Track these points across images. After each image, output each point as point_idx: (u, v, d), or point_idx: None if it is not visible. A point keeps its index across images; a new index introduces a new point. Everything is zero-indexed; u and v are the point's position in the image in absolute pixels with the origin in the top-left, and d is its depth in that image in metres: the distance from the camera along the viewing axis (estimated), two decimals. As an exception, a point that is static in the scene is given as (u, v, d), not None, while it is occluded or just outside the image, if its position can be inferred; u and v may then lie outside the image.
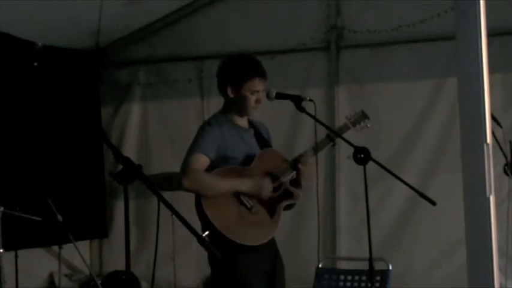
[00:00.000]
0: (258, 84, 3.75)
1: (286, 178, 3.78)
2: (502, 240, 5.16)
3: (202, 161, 3.66)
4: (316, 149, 3.78)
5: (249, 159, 3.76)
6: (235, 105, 3.79)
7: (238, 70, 3.78)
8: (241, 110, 3.80)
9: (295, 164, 3.78)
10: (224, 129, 3.74)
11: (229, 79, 3.77)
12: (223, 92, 3.81)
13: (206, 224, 3.56)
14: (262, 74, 3.78)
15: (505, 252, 5.21)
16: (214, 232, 3.49)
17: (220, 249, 3.41)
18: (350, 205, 6.23)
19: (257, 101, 3.76)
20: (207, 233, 3.21)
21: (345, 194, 6.27)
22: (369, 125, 3.90)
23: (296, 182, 3.84)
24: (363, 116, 3.91)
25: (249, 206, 3.67)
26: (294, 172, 3.79)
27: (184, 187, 3.64)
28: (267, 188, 3.71)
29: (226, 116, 3.81)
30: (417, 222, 6.00)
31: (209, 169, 3.67)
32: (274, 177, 3.76)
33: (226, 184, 3.64)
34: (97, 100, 7.02)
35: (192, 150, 3.69)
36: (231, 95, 3.77)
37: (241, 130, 3.82)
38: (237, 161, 3.72)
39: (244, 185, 3.67)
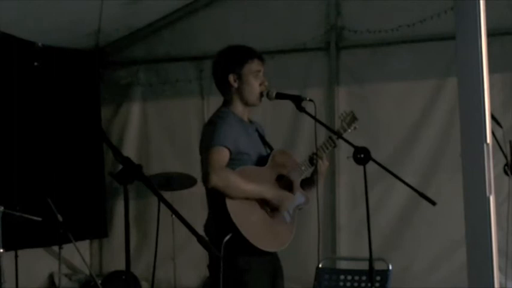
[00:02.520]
0: (257, 65, 3.71)
1: (301, 178, 3.76)
2: (502, 240, 5.16)
3: (224, 154, 3.56)
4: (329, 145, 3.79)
5: (261, 158, 3.70)
6: (240, 95, 3.72)
7: (235, 55, 3.74)
8: (248, 98, 3.72)
9: (312, 159, 3.74)
10: (234, 123, 3.67)
11: (228, 67, 3.71)
12: (224, 84, 3.74)
13: (227, 224, 3.48)
14: (259, 56, 3.74)
15: (505, 252, 5.21)
16: (236, 234, 3.43)
17: (235, 250, 3.42)
18: (350, 205, 6.23)
19: (261, 84, 3.71)
20: (229, 236, 3.19)
21: (345, 194, 6.27)
22: (357, 127, 3.91)
23: (308, 181, 3.82)
24: (354, 117, 3.92)
25: (269, 210, 3.63)
26: (311, 168, 3.76)
27: (210, 183, 3.50)
28: (288, 203, 3.68)
29: (231, 111, 3.74)
30: (417, 222, 6.00)
31: (228, 164, 3.58)
32: (287, 181, 3.73)
33: (252, 188, 3.57)
34: (97, 100, 7.02)
35: (211, 144, 3.57)
36: (234, 84, 3.70)
37: (247, 125, 3.77)
38: (250, 157, 3.66)
39: (269, 193, 3.61)
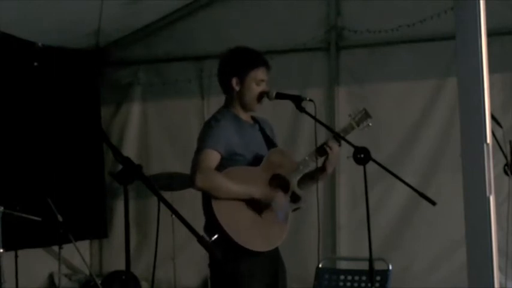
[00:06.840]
0: (262, 73, 3.69)
1: (298, 177, 3.73)
2: (502, 240, 5.16)
3: (213, 157, 3.56)
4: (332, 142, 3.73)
5: (257, 158, 3.68)
6: (240, 99, 3.71)
7: (243, 59, 3.72)
8: (246, 104, 3.72)
9: (321, 149, 3.68)
10: (231, 125, 3.66)
11: (234, 69, 3.70)
12: (227, 85, 3.73)
13: (214, 225, 3.49)
14: (267, 64, 3.73)
15: (505, 252, 5.21)
16: (222, 234, 3.41)
17: (225, 251, 3.40)
18: (350, 205, 6.23)
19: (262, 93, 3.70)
20: (215, 236, 3.19)
21: (345, 194, 6.27)
22: (370, 124, 3.87)
23: (310, 176, 3.76)
24: (366, 114, 3.86)
25: (260, 209, 3.61)
26: (321, 159, 3.69)
27: (196, 185, 3.52)
28: (279, 199, 3.64)
29: (231, 111, 3.73)
30: (417, 222, 6.00)
31: (218, 166, 3.58)
32: (283, 181, 3.69)
33: (239, 189, 3.55)
34: (97, 100, 7.02)
35: (202, 146, 3.59)
36: (236, 87, 3.69)
37: (247, 125, 3.75)
38: (245, 158, 3.64)
39: (257, 192, 3.58)
